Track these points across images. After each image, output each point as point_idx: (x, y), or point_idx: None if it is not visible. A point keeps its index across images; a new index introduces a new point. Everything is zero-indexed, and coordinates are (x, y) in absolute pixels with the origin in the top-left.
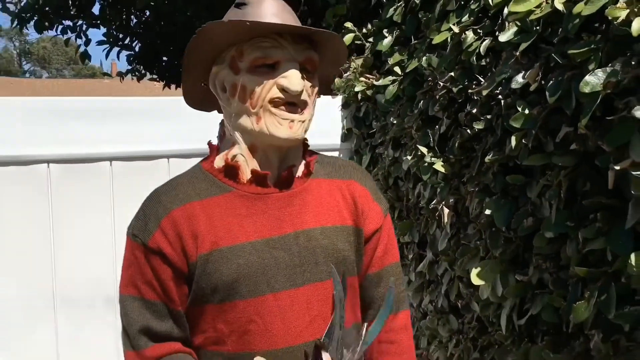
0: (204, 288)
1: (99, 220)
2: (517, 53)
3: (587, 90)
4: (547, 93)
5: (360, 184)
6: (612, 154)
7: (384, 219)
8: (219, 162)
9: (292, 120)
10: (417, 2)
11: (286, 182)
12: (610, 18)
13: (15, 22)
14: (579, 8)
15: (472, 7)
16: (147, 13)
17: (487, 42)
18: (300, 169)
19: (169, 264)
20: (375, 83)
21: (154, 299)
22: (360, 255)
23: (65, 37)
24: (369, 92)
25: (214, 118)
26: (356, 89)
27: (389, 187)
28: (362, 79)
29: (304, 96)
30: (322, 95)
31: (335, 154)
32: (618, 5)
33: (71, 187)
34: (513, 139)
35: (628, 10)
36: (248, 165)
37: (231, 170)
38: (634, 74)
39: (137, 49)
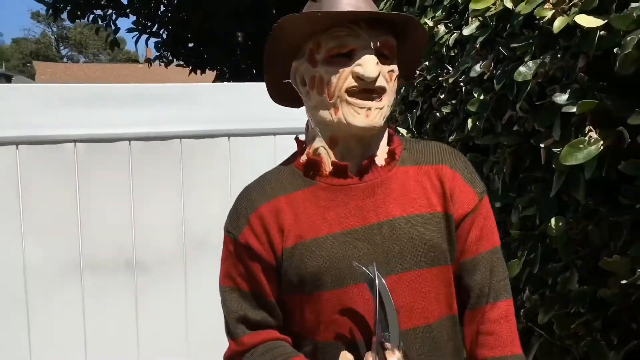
0: (291, 280)
1: (119, 192)
2: (477, 45)
3: (519, 79)
4: (494, 81)
5: (449, 167)
6: (544, 134)
7: (479, 202)
8: (304, 156)
9: (369, 108)
10: None
11: (367, 172)
12: (537, 17)
13: (50, 12)
14: (520, 7)
15: (445, 3)
16: (174, 1)
17: (455, 35)
18: (383, 157)
19: (257, 258)
20: None
21: (248, 290)
22: (453, 242)
23: (96, 25)
24: None
25: (222, 104)
26: None
27: None
28: None
29: (381, 82)
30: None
31: None
32: (545, 6)
33: (95, 164)
34: (469, 121)
35: (553, 11)
36: (330, 157)
37: (313, 163)
38: (558, 65)
39: (164, 36)
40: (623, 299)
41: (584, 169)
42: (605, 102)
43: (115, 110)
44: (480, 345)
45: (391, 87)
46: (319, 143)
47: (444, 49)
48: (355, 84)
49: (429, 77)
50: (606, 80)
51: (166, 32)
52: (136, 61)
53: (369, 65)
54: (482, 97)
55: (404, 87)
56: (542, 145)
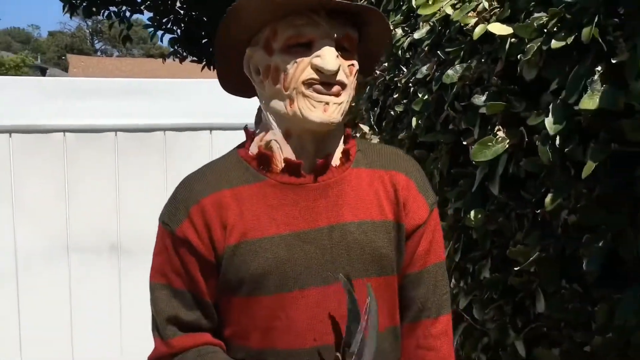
0: (230, 280)
1: (105, 180)
2: (425, 49)
3: (447, 81)
4: (433, 83)
5: (405, 175)
6: (472, 133)
7: (430, 213)
8: (253, 148)
9: (327, 103)
10: (373, 1)
11: (321, 172)
12: (462, 24)
13: (67, 8)
14: (454, 14)
15: (403, 7)
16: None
17: (410, 38)
18: (338, 157)
19: (196, 255)
20: None
21: (182, 288)
22: (401, 253)
23: (110, 21)
24: None
25: (206, 97)
26: None
27: None
28: None
29: (340, 76)
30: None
31: None
32: (470, 14)
33: (82, 152)
34: (414, 119)
35: (477, 19)
36: (282, 152)
37: (264, 157)
38: (481, 69)
39: (178, 32)
40: (527, 285)
41: (498, 164)
42: (514, 104)
43: (103, 103)
44: None
45: (351, 82)
46: (272, 136)
47: (400, 51)
48: (314, 76)
49: (387, 78)
50: (517, 84)
51: (180, 29)
52: (151, 55)
53: (328, 57)
54: (425, 97)
55: (369, 87)
56: (464, 142)
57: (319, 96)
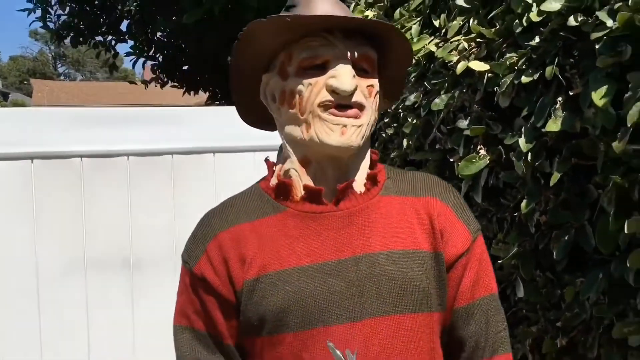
0: (250, 318)
1: (119, 200)
2: (412, 80)
3: (435, 108)
4: (421, 109)
5: (441, 201)
6: (457, 151)
7: (474, 242)
8: (274, 180)
9: (345, 125)
10: None
11: (344, 198)
12: (445, 60)
13: (54, 38)
14: (438, 52)
15: None
16: (168, 29)
17: None
18: (362, 182)
19: (214, 293)
20: None
21: (204, 330)
22: (444, 286)
23: (97, 50)
24: None
25: (210, 122)
26: None
27: None
28: None
29: (358, 97)
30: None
31: None
32: (452, 52)
33: (98, 176)
34: (404, 140)
35: (458, 57)
36: (301, 180)
37: (283, 187)
38: (463, 98)
39: (160, 59)
40: (508, 277)
41: (480, 177)
42: (492, 127)
43: (116, 130)
44: None
45: (371, 104)
46: (290, 164)
47: None
48: (329, 97)
49: None
50: (495, 111)
51: (162, 56)
52: (132, 81)
53: (343, 77)
54: (414, 121)
55: None
56: (451, 159)
57: (336, 119)
